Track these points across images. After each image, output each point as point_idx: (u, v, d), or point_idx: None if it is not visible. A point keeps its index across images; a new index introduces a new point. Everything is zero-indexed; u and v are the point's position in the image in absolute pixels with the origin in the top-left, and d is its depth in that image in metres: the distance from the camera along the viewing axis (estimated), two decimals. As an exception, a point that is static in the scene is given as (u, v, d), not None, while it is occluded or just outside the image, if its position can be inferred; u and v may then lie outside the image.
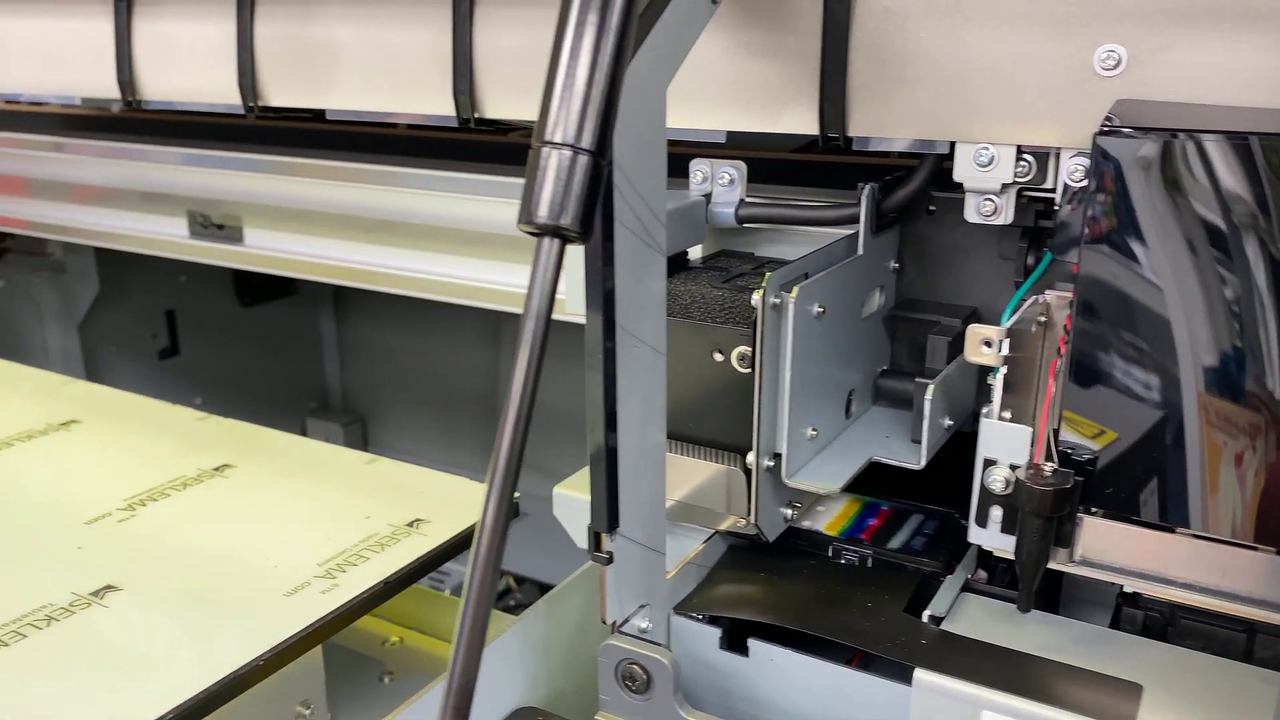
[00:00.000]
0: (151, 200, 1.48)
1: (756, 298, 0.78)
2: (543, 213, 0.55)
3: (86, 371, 2.13)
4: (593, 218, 0.56)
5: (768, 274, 0.78)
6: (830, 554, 0.90)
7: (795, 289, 0.78)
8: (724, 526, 0.88)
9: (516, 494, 1.09)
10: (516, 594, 1.90)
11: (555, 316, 0.58)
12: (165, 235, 1.48)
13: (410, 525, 0.95)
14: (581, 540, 1.00)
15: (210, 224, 1.44)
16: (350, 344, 2.63)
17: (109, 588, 0.84)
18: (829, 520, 0.93)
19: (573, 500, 0.99)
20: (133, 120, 1.55)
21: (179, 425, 1.19)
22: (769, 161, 1.17)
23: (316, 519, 0.97)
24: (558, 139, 0.56)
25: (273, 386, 2.59)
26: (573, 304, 0.74)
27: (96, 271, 2.09)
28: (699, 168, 0.94)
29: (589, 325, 0.70)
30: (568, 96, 0.56)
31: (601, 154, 0.56)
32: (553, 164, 0.55)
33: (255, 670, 0.75)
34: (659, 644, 0.75)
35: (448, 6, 0.97)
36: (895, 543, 0.90)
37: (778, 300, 0.78)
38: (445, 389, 2.47)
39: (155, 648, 0.77)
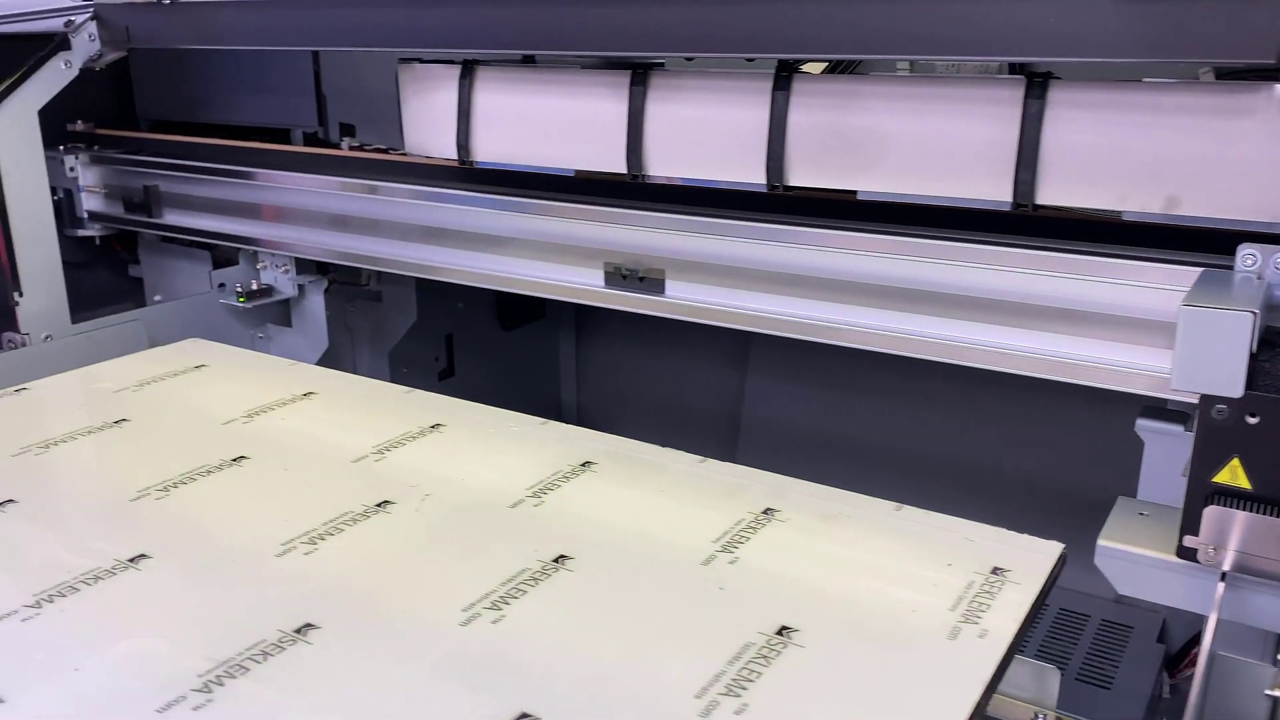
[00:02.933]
0: (563, 251, 1.60)
1: None
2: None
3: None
4: None
5: None
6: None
7: None
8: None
9: (1063, 545, 1.18)
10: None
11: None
12: (575, 283, 1.60)
13: (994, 572, 1.04)
14: (1127, 589, 1.11)
15: (632, 276, 1.56)
16: (587, 363, 2.74)
17: (787, 629, 0.94)
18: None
19: (1118, 551, 1.09)
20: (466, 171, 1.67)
21: (679, 469, 1.30)
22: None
23: (903, 566, 1.06)
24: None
25: (518, 405, 2.71)
26: None
27: (416, 303, 2.23)
28: (1249, 251, 1.04)
29: None
30: None
31: None
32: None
33: (976, 713, 0.85)
34: (1343, 696, 0.85)
35: (1015, 107, 1.08)
36: None
37: None
38: (683, 409, 2.56)
39: (882, 692, 0.87)
